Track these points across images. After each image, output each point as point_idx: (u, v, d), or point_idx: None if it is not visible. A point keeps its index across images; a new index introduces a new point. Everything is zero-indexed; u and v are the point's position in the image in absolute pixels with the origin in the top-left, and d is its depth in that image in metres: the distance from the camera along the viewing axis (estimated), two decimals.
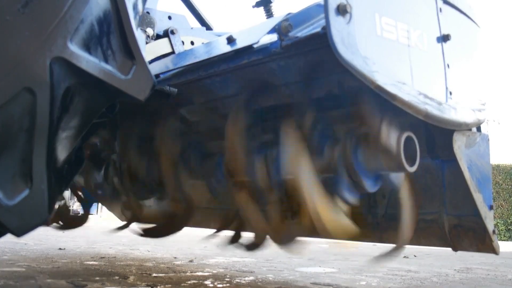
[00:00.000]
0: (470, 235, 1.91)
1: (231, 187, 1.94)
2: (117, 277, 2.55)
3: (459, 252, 2.04)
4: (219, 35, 2.53)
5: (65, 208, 3.07)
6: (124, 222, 2.90)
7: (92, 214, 3.30)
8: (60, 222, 3.06)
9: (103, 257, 3.59)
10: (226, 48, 1.89)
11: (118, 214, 3.33)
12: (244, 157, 1.87)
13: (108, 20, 1.38)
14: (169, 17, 2.62)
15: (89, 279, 2.45)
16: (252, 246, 2.08)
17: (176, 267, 3.16)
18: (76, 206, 6.89)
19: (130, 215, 2.75)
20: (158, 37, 2.50)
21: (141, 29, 2.29)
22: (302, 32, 1.68)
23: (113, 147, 2.60)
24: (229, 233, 2.29)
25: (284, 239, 1.89)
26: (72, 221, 3.17)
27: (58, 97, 1.32)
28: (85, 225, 3.19)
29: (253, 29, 1.98)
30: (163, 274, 2.74)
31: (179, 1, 3.19)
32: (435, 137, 1.89)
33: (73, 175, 1.61)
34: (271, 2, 2.76)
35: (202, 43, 2.53)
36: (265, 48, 1.74)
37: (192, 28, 2.72)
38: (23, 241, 4.47)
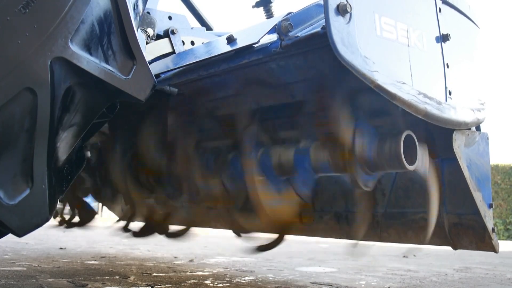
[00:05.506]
0: (470, 233, 1.92)
1: None
2: (117, 277, 2.55)
3: (458, 252, 2.04)
4: (219, 35, 2.53)
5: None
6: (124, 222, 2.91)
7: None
8: None
9: (104, 257, 3.60)
10: (226, 48, 1.89)
11: (118, 214, 3.33)
12: None
13: (108, 20, 1.39)
14: (170, 17, 2.63)
15: (89, 278, 2.46)
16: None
17: (176, 266, 3.16)
18: None
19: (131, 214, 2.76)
20: (158, 37, 2.50)
21: (141, 29, 2.30)
22: (302, 32, 1.68)
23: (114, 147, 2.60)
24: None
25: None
26: None
27: (58, 97, 1.33)
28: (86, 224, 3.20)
29: (253, 29, 1.99)
30: (163, 274, 2.75)
31: (179, 1, 3.20)
32: (435, 136, 1.90)
33: (74, 175, 1.61)
34: (271, 2, 2.76)
35: (202, 43, 2.53)
36: (265, 48, 1.75)
37: (192, 28, 2.73)
38: (24, 240, 4.48)
